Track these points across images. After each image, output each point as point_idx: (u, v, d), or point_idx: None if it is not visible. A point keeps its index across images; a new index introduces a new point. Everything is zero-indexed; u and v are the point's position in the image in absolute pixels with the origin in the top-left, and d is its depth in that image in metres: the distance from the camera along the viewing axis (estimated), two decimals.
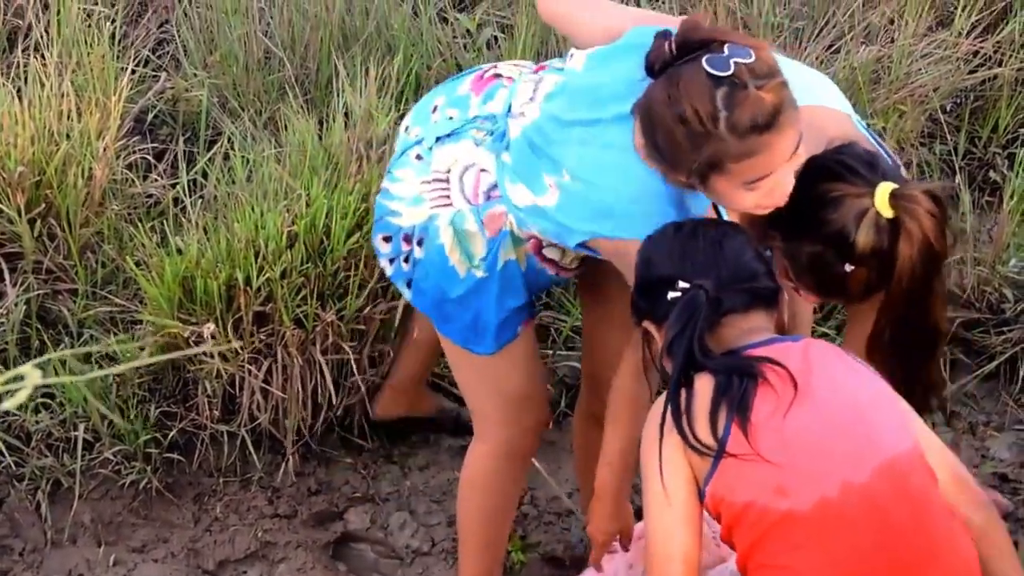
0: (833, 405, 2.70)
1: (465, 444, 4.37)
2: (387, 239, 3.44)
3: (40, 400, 4.21)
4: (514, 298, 3.39)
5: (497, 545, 3.75)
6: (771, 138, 2.83)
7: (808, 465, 2.64)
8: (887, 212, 2.86)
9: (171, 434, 4.24)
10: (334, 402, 4.17)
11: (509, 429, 3.62)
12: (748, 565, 2.69)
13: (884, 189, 2.86)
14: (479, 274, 3.35)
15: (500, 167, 3.27)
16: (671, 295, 2.77)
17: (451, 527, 4.20)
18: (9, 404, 1.64)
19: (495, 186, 3.29)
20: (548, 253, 3.35)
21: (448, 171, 3.34)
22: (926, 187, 2.91)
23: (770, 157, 2.85)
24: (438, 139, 3.38)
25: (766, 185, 2.89)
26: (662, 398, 2.77)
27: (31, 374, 1.58)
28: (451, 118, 3.39)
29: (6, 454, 4.17)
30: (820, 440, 2.66)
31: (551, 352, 4.48)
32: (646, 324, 2.86)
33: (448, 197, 3.34)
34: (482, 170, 3.30)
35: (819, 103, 3.26)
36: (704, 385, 2.71)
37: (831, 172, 2.92)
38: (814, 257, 2.99)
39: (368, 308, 4.16)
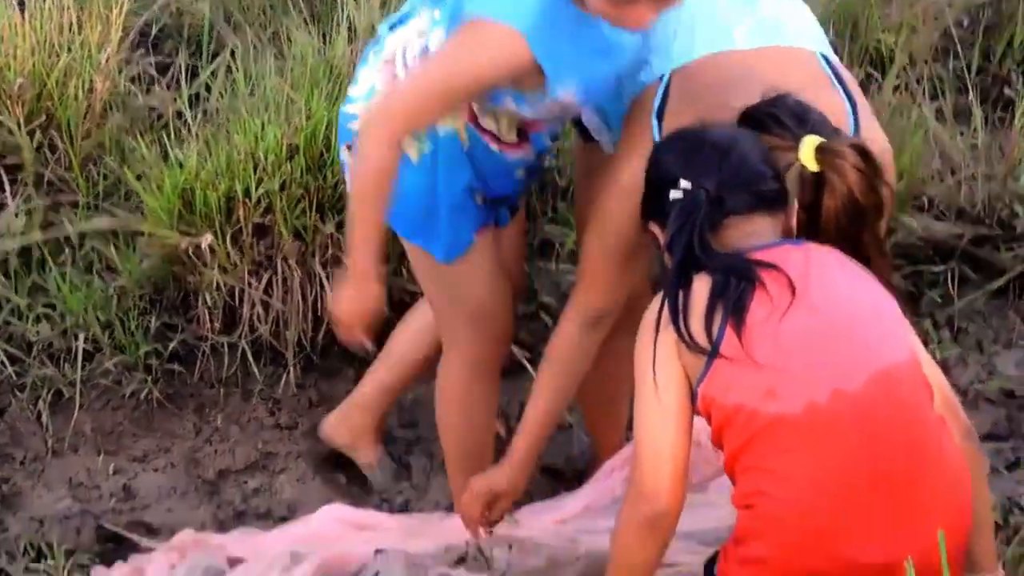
0: (830, 311, 2.68)
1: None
2: (349, 147, 3.42)
3: (41, 311, 4.22)
4: (461, 173, 3.37)
5: (479, 455, 3.73)
6: None
7: (800, 370, 2.62)
8: (812, 166, 2.82)
9: (172, 345, 4.24)
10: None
11: (474, 342, 3.61)
12: (735, 468, 2.68)
13: (810, 142, 2.82)
14: (425, 149, 3.33)
15: (432, 24, 3.28)
16: (673, 195, 2.77)
17: None
18: None
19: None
20: (485, 124, 3.33)
21: (394, 53, 3.32)
22: (853, 141, 2.86)
23: None
24: (391, 27, 3.37)
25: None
26: (657, 298, 2.76)
27: None
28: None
29: (7, 364, 4.18)
30: (814, 346, 2.64)
31: (554, 267, 4.46)
32: (651, 225, 2.86)
33: (396, 78, 3.32)
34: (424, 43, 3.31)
35: (789, 43, 3.20)
36: (701, 285, 2.70)
37: (760, 124, 2.89)
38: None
39: None
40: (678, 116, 3.03)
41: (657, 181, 2.86)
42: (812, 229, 2.84)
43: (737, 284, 2.66)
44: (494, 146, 3.36)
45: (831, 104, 3.02)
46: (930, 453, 2.66)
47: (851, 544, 2.59)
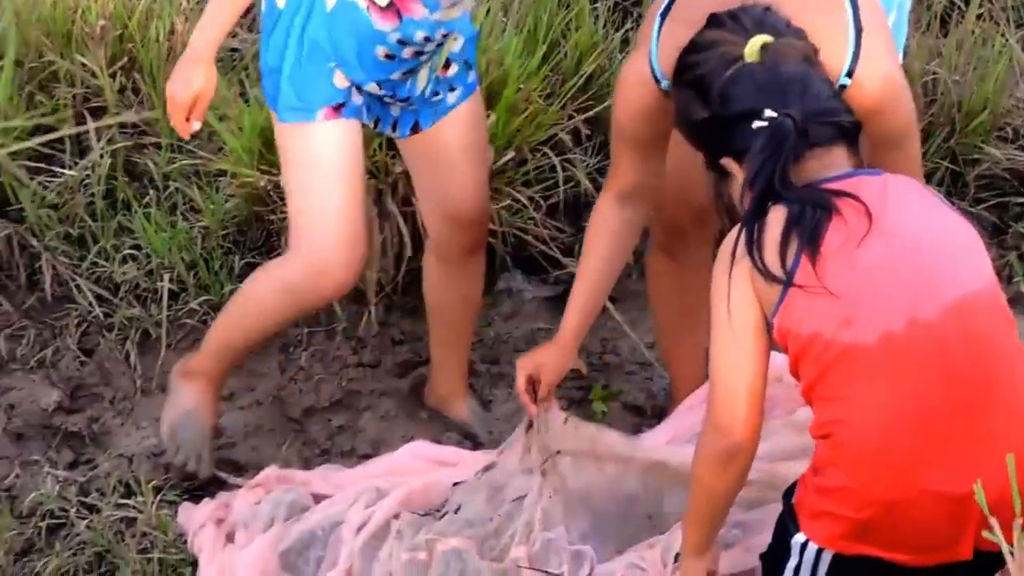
0: (907, 240, 2.67)
1: (550, 301, 4.42)
2: None
3: (127, 251, 4.28)
4: (317, 31, 3.37)
5: (236, 352, 3.77)
6: None
7: (876, 299, 2.61)
8: (755, 60, 2.79)
9: None
10: (409, 252, 4.18)
11: (302, 264, 3.57)
12: (811, 397, 2.68)
13: (757, 40, 2.79)
14: None
15: None
16: (756, 124, 2.74)
17: None
18: None
19: None
20: None
21: None
22: (806, 45, 2.84)
23: None
24: None
25: None
26: (732, 232, 2.76)
27: None
28: None
29: (95, 304, 4.25)
30: (890, 275, 2.63)
31: None
32: (724, 161, 2.83)
33: None
34: None
35: None
36: (777, 216, 2.68)
37: (717, 21, 2.87)
38: (681, 105, 2.94)
39: None
40: (681, 22, 3.02)
41: (730, 114, 2.81)
42: None
43: (813, 213, 2.65)
44: (361, 2, 3.36)
45: (828, 26, 2.99)
46: (1007, 383, 2.64)
47: (928, 473, 2.59)
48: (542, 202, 4.50)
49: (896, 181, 2.75)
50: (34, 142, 4.28)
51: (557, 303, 4.44)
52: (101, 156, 4.36)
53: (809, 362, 2.64)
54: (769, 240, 2.67)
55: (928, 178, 4.48)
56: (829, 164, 2.76)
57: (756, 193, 2.70)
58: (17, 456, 3.94)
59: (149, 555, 3.57)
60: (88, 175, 4.35)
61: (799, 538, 2.69)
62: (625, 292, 4.43)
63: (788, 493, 2.77)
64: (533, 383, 3.40)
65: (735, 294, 2.70)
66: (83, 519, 3.69)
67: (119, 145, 4.38)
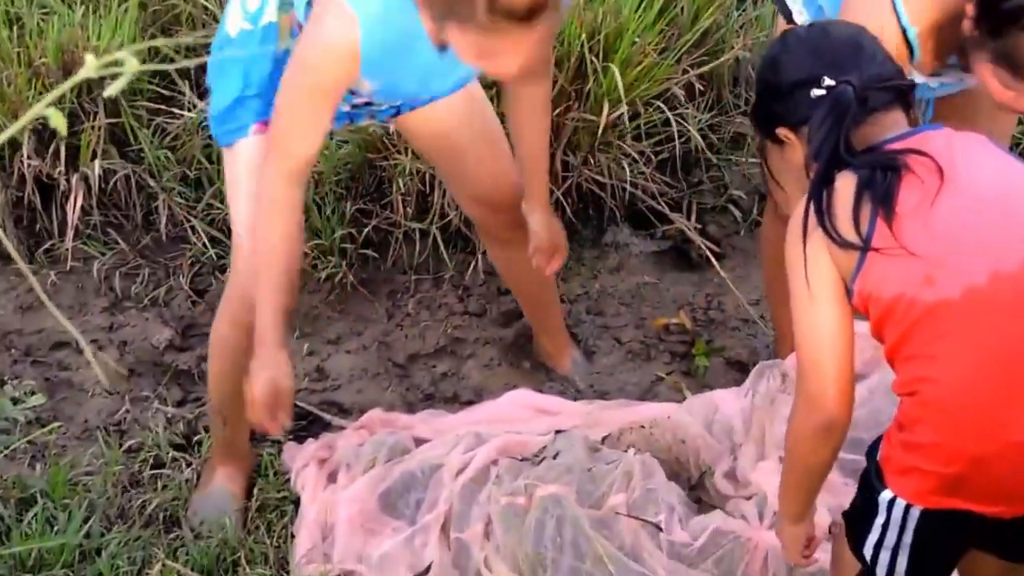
0: (981, 192, 2.63)
1: (656, 256, 4.43)
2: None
3: None
4: (261, 68, 3.31)
5: (234, 404, 3.48)
6: (518, 31, 2.81)
7: (956, 255, 2.59)
8: None
9: (366, 231, 4.34)
10: None
11: (235, 296, 3.46)
12: (896, 358, 2.67)
13: None
14: (246, 26, 3.31)
15: None
16: (815, 93, 2.70)
17: (638, 329, 4.25)
18: (110, 90, 1.68)
19: None
20: None
21: None
22: None
23: (509, 47, 2.85)
24: None
25: (493, 65, 2.93)
26: (801, 201, 2.74)
27: (129, 60, 1.61)
28: None
29: (208, 246, 4.32)
30: (968, 228, 2.60)
31: (744, 160, 4.46)
32: (781, 131, 2.80)
33: None
34: None
35: None
36: (845, 183, 2.66)
37: None
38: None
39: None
40: None
41: (785, 84, 2.77)
42: None
43: (884, 175, 2.63)
44: None
45: None
46: None
47: (1016, 427, 2.58)
48: (652, 156, 4.51)
49: (960, 135, 2.72)
50: (154, 84, 4.36)
51: (663, 258, 4.47)
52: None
53: (893, 324, 2.63)
54: (840, 208, 2.65)
55: None
56: (888, 126, 2.72)
57: (822, 163, 2.68)
58: (128, 392, 4.03)
59: (251, 493, 3.65)
60: (206, 118, 4.40)
61: (886, 495, 2.68)
62: (731, 249, 4.44)
63: (872, 450, 2.77)
64: None
65: (812, 265, 2.67)
66: (187, 457, 3.77)
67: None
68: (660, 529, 3.30)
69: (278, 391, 3.20)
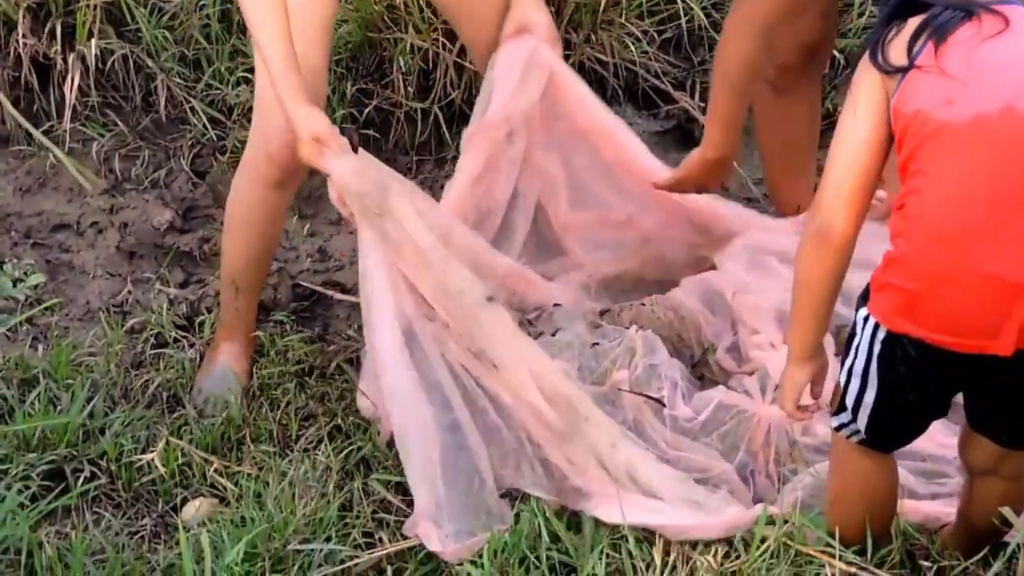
0: None
1: (659, 135, 4.40)
2: None
3: (240, 74, 4.30)
4: None
5: (244, 279, 3.63)
6: None
7: (980, 84, 2.62)
8: None
9: (367, 111, 4.30)
10: None
11: (256, 140, 3.50)
12: (904, 174, 2.69)
13: None
14: None
15: None
16: None
17: None
18: None
19: None
20: None
21: None
22: None
23: None
24: None
25: None
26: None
27: None
28: None
29: (208, 127, 4.29)
30: (1005, 69, 2.63)
31: None
32: None
33: None
34: None
35: None
36: (915, 19, 2.70)
37: None
38: None
39: None
40: None
41: None
42: None
43: (951, 13, 2.67)
44: None
45: None
46: None
47: (983, 253, 2.60)
48: (656, 35, 4.46)
49: None
50: None
51: (667, 137, 4.43)
52: None
53: (908, 140, 2.66)
54: (900, 39, 2.69)
55: None
56: None
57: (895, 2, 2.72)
58: (130, 273, 4.02)
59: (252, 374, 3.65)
60: None
61: (862, 312, 2.74)
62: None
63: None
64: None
65: (863, 88, 2.73)
66: (189, 337, 3.77)
67: None
68: (663, 404, 3.30)
69: (317, 134, 3.24)
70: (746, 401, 3.32)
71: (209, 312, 3.81)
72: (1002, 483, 2.91)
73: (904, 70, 2.66)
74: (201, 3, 4.35)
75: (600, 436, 3.17)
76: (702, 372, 3.51)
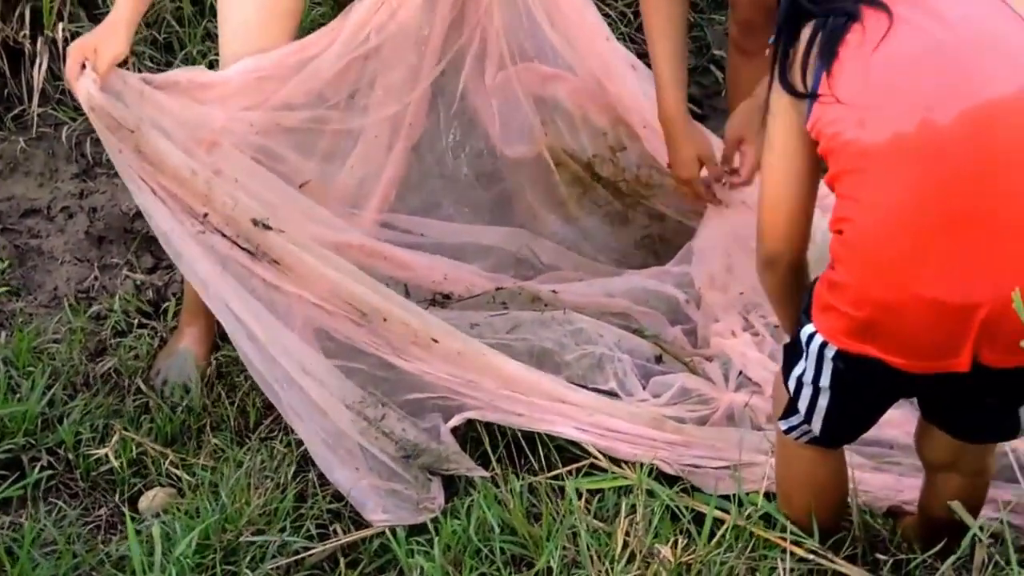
0: (935, 35, 2.57)
1: None
2: None
3: (213, 58, 4.27)
4: None
5: None
6: None
7: (890, 99, 2.56)
8: None
9: None
10: None
11: None
12: (834, 190, 2.65)
13: None
14: None
15: None
16: None
17: None
18: None
19: None
20: None
21: None
22: None
23: None
24: None
25: None
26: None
27: None
28: None
29: None
30: (908, 76, 2.56)
31: (727, 17, 4.36)
32: None
33: None
34: None
35: None
36: (806, 31, 2.65)
37: None
38: None
39: None
40: None
41: None
42: None
43: (833, 23, 2.60)
44: None
45: None
46: (1010, 198, 2.53)
47: (922, 279, 2.55)
48: (632, 17, 4.46)
49: None
50: None
51: None
52: None
53: (832, 160, 2.63)
54: (798, 56, 2.65)
55: None
56: None
57: (781, 13, 2.67)
58: (98, 259, 3.99)
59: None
60: None
61: (808, 329, 2.70)
62: (712, 111, 4.36)
63: (813, 284, 2.75)
64: None
65: (778, 115, 2.70)
66: (154, 324, 3.75)
67: None
68: (617, 396, 3.26)
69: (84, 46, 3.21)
70: (708, 386, 3.28)
71: (176, 298, 3.78)
72: (961, 479, 2.88)
73: (808, 97, 2.61)
74: None
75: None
76: (661, 353, 3.46)
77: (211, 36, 4.31)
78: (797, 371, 2.74)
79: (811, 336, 2.69)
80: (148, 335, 3.70)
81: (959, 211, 2.53)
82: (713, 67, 4.45)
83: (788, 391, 2.78)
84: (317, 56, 3.43)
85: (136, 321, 3.75)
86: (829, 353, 2.67)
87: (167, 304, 3.78)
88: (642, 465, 3.15)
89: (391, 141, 3.60)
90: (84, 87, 3.16)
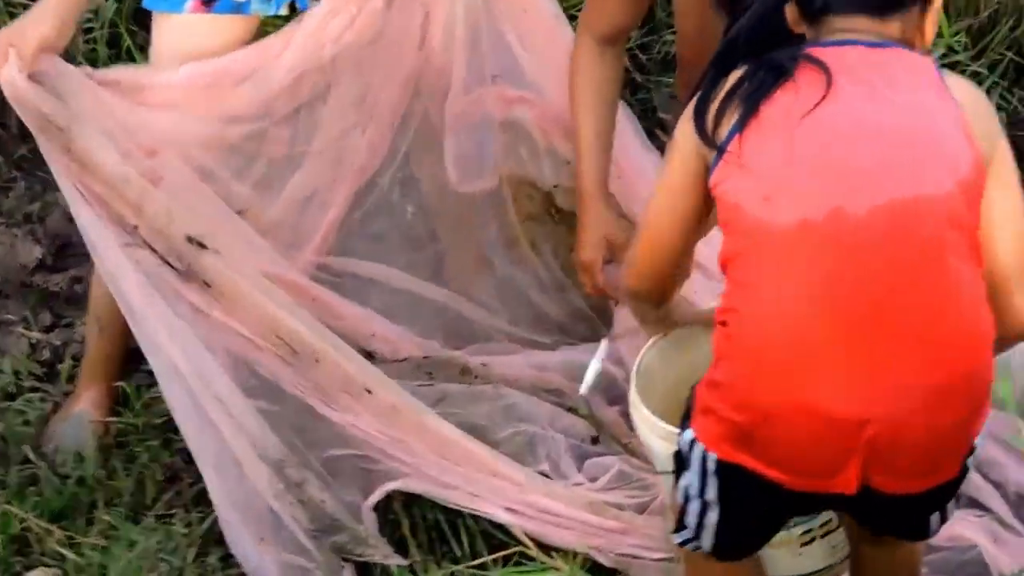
0: (867, 120, 2.34)
1: None
2: None
3: None
4: None
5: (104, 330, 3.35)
6: None
7: (803, 181, 2.32)
8: None
9: None
10: None
11: None
12: (725, 271, 2.43)
13: None
14: None
15: None
16: None
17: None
18: None
19: None
20: None
21: None
22: None
23: None
24: None
25: None
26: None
27: None
28: None
29: None
30: (828, 158, 2.33)
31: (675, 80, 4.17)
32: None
33: None
34: None
35: None
36: (734, 75, 2.43)
37: None
38: None
39: None
40: None
41: None
42: None
43: (763, 76, 2.38)
44: None
45: None
46: (933, 312, 2.32)
47: (811, 385, 2.31)
48: None
49: (906, 59, 2.42)
50: None
51: None
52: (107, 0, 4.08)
53: (729, 232, 2.41)
54: (716, 100, 2.42)
55: (991, 69, 4.26)
56: (843, 31, 2.44)
57: (717, 51, 2.47)
58: None
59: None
60: (91, 19, 4.07)
61: (687, 435, 2.46)
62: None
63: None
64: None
65: (680, 150, 2.49)
66: (48, 388, 3.49)
67: None
68: (548, 477, 3.06)
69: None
70: (647, 471, 3.04)
71: (74, 360, 3.51)
72: (891, 549, 2.64)
73: (717, 150, 2.39)
74: (87, 26, 4.06)
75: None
76: (596, 434, 3.24)
77: None
78: (683, 482, 2.47)
79: (692, 443, 2.44)
80: (39, 399, 3.43)
81: (862, 314, 2.30)
82: (660, 131, 4.25)
83: (678, 503, 2.52)
84: (267, 65, 3.19)
85: (28, 384, 3.48)
86: (711, 463, 2.41)
87: (62, 365, 3.51)
88: (575, 555, 2.93)
89: (336, 175, 3.34)
90: (7, 75, 2.92)
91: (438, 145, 3.41)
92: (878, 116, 2.34)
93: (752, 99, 2.36)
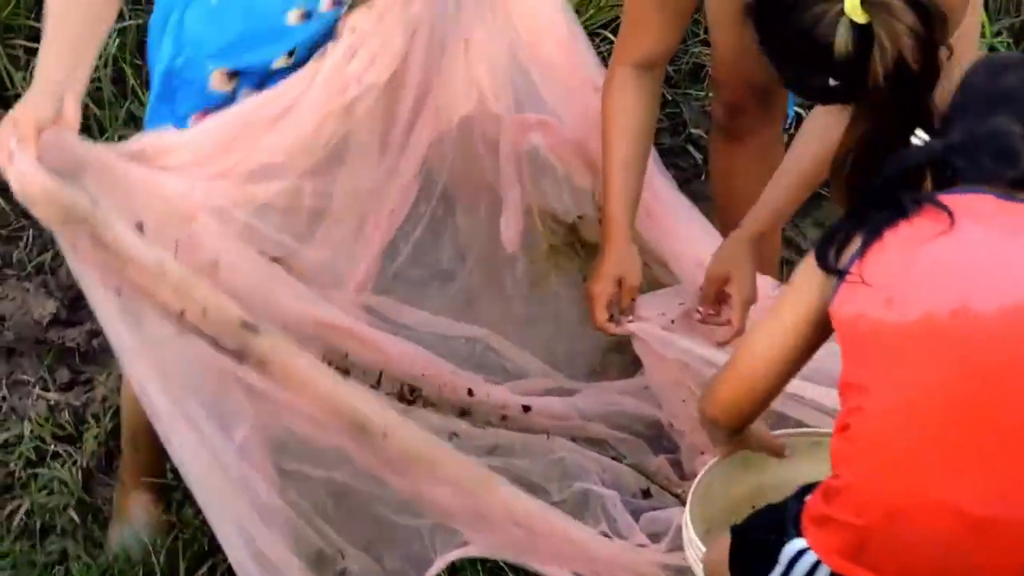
0: (997, 247, 2.31)
1: None
2: None
3: None
4: (206, 35, 2.85)
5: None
6: None
7: (924, 280, 2.30)
8: (858, 17, 2.46)
9: None
10: None
11: None
12: (846, 390, 2.37)
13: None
14: None
15: None
16: (913, 140, 2.48)
17: None
18: None
19: None
20: None
21: None
22: None
23: None
24: None
25: None
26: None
27: None
28: None
29: None
30: (955, 259, 2.30)
31: (704, 93, 4.06)
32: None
33: None
34: None
35: None
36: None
37: None
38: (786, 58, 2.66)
39: None
40: None
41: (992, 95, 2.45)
42: (858, 90, 2.54)
43: (883, 215, 2.36)
44: None
45: None
46: None
47: (940, 483, 2.24)
48: None
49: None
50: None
51: None
52: (110, 35, 3.91)
53: (849, 346, 2.37)
54: (839, 234, 2.42)
55: None
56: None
57: (863, 200, 2.44)
58: (6, 375, 3.59)
59: None
60: None
61: (795, 545, 2.35)
62: (690, 196, 4.00)
63: (803, 491, 2.44)
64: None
65: (799, 287, 2.48)
66: (72, 452, 3.36)
67: (130, 23, 4.00)
68: (608, 536, 2.97)
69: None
70: None
71: (96, 421, 3.38)
72: None
73: (839, 274, 2.36)
74: None
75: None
76: (648, 485, 3.17)
77: (135, 119, 3.93)
78: None
79: (799, 553, 2.35)
80: (66, 465, 3.31)
81: (996, 408, 2.24)
82: (691, 147, 4.12)
83: None
84: (292, 108, 2.96)
85: (51, 448, 3.35)
86: (822, 572, 2.34)
87: (85, 428, 3.39)
88: None
89: (365, 222, 3.21)
90: (16, 171, 2.54)
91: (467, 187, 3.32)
92: (997, 244, 2.32)
93: (875, 226, 2.35)
